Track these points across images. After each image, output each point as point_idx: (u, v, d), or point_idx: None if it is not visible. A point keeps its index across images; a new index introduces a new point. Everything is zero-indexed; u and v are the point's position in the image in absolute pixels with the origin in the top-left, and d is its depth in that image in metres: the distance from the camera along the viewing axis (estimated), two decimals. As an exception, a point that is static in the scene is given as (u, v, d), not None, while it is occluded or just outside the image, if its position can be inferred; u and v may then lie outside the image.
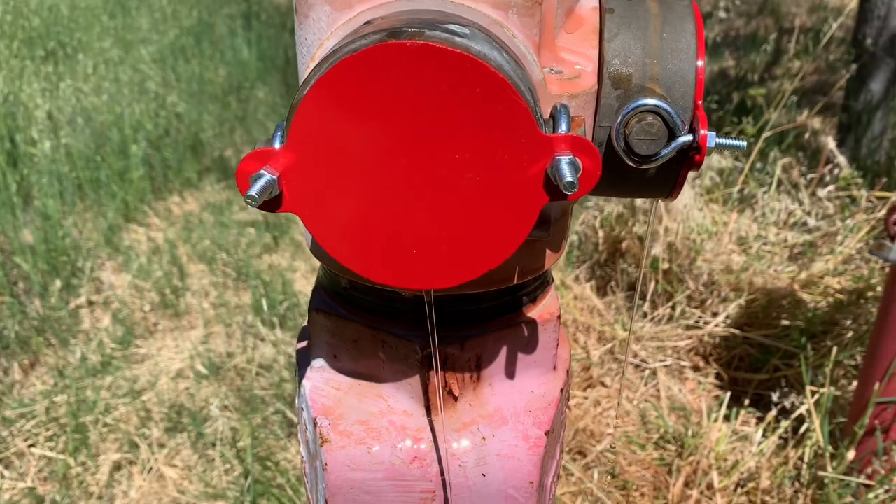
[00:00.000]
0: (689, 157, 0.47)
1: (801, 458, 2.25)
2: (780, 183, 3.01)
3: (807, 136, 3.85)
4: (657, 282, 2.87)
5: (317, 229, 0.42)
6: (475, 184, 0.40)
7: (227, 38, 5.18)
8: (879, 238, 1.95)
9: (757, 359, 2.71)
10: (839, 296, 2.69)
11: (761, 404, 2.52)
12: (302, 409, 0.58)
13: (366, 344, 0.56)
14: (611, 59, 0.47)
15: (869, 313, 2.58)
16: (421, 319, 0.54)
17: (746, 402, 2.51)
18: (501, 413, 0.56)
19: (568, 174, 0.37)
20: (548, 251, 0.53)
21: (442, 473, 0.53)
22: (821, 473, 2.10)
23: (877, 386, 2.03)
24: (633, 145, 0.46)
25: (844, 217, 2.81)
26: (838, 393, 2.28)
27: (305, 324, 0.65)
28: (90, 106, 4.20)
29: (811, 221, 2.87)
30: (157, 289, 3.22)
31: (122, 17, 5.59)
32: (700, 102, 0.46)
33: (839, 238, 2.77)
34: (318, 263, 0.60)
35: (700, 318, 2.83)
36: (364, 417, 0.55)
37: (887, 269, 2.55)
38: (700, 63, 0.47)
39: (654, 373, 2.72)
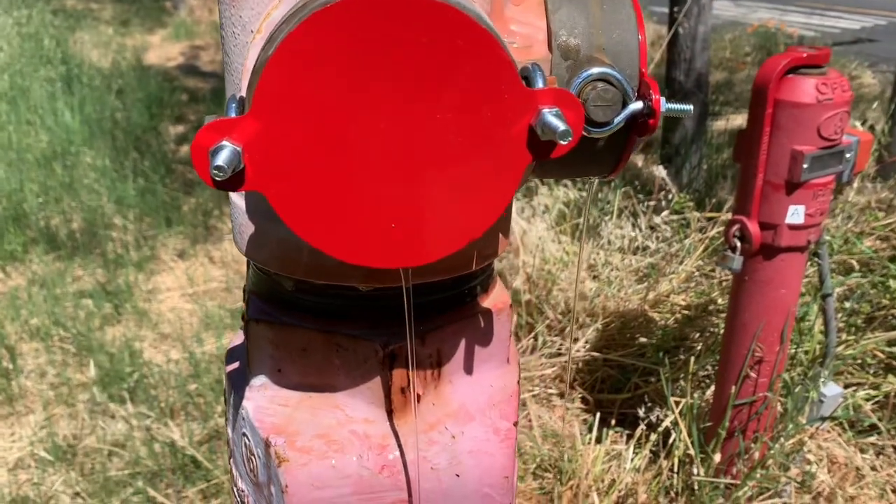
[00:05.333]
0: (640, 124, 0.47)
1: (671, 469, 2.34)
2: (620, 211, 3.20)
3: (639, 166, 4.14)
4: (518, 314, 2.93)
5: (285, 208, 0.38)
6: (458, 146, 0.38)
7: (46, 103, 4.85)
8: (722, 251, 2.10)
9: (618, 379, 2.81)
10: (685, 311, 2.86)
11: (627, 422, 2.62)
12: (244, 434, 0.53)
13: (317, 351, 0.51)
14: (558, 31, 0.47)
15: (713, 325, 2.77)
16: (380, 316, 0.50)
17: (613, 421, 2.59)
18: (466, 409, 0.53)
19: (560, 124, 0.36)
20: (500, 236, 0.52)
21: (411, 480, 0.49)
22: (692, 479, 2.20)
23: (733, 389, 2.17)
24: (590, 112, 0.46)
25: (681, 238, 3.02)
26: (698, 402, 2.40)
27: (232, 344, 0.59)
28: None
29: (652, 245, 3.05)
30: (-16, 373, 2.90)
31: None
32: (645, 70, 0.47)
33: (679, 258, 2.96)
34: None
35: (561, 345, 2.91)
36: (322, 431, 0.50)
37: (730, 281, 2.76)
38: (641, 35, 0.48)
39: (523, 403, 2.76)
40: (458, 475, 0.51)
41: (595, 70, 0.46)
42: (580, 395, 2.79)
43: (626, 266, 3.03)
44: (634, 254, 3.08)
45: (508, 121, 0.38)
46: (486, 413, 0.53)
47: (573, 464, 2.37)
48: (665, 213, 3.11)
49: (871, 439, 2.38)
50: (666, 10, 5.05)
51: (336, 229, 0.39)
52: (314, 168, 0.38)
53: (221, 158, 0.35)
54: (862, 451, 2.37)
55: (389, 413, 0.52)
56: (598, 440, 2.46)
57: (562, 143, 0.36)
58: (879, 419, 2.38)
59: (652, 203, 3.17)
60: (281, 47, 0.35)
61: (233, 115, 0.38)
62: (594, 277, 3.06)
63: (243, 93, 0.45)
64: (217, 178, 0.35)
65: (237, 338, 0.60)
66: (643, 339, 2.82)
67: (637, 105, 0.47)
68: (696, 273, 2.93)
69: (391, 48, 0.36)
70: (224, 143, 0.36)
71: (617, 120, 0.47)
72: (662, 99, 0.46)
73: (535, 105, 0.37)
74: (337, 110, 0.37)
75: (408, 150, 0.38)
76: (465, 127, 0.38)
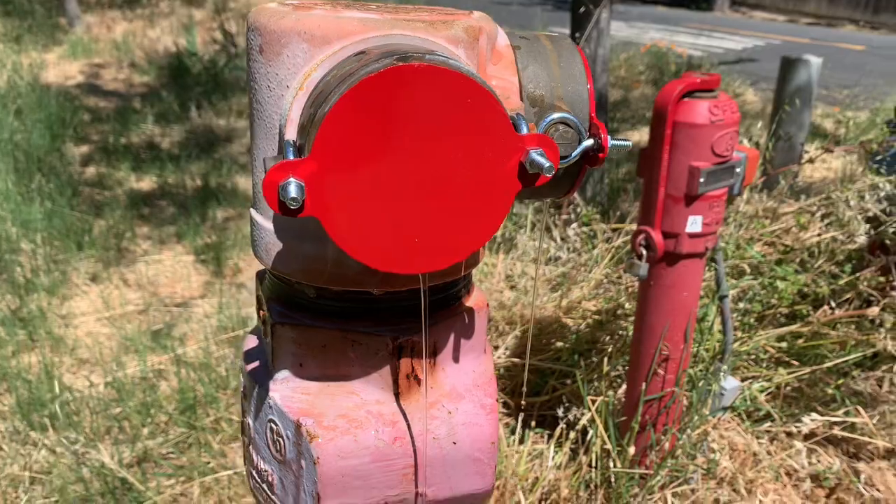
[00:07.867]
0: (591, 157, 0.60)
1: (590, 464, 2.51)
2: (533, 225, 3.37)
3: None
4: (441, 325, 3.05)
5: (335, 230, 0.49)
6: (466, 178, 0.50)
7: (-61, 123, 4.67)
8: (629, 259, 2.28)
9: (537, 383, 2.97)
10: (596, 316, 3.06)
11: (547, 422, 2.76)
12: (271, 420, 0.62)
13: (335, 347, 0.61)
14: (527, 84, 0.60)
15: (622, 327, 2.97)
16: (389, 315, 0.61)
17: (534, 423, 2.74)
18: (457, 390, 0.64)
19: (545, 162, 0.48)
20: (482, 249, 0.63)
21: (418, 448, 0.60)
22: (609, 471, 2.36)
23: (643, 386, 2.35)
24: (554, 149, 0.58)
25: (590, 249, 3.22)
26: (612, 399, 2.58)
27: (246, 348, 0.69)
28: None
29: (564, 255, 3.24)
30: None
31: None
32: (594, 114, 0.61)
33: (588, 267, 3.16)
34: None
35: (483, 353, 3.04)
36: (343, 412, 0.61)
37: (637, 287, 2.96)
38: (589, 86, 0.61)
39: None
40: (454, 443, 0.62)
41: (556, 115, 0.59)
42: (503, 401, 2.93)
43: (541, 276, 3.20)
44: (548, 264, 3.26)
45: (504, 159, 0.50)
46: (473, 392, 0.65)
47: (499, 465, 2.50)
48: (574, 225, 3.30)
49: (766, 427, 2.61)
50: (566, 30, 5.31)
51: (373, 244, 0.50)
52: (357, 198, 0.48)
53: (293, 192, 0.46)
54: (758, 438, 2.61)
55: (396, 395, 0.63)
56: (521, 441, 2.60)
57: (547, 175, 0.48)
58: (773, 408, 2.62)
59: (563, 217, 3.36)
60: (336, 106, 0.46)
61: (291, 156, 0.48)
62: (512, 287, 3.22)
63: (291, 136, 0.55)
64: (291, 207, 0.46)
65: (250, 341, 0.70)
66: (559, 344, 2.99)
67: (589, 142, 0.60)
68: (605, 280, 3.12)
69: (417, 105, 0.47)
70: (290, 179, 0.46)
71: (573, 154, 0.59)
72: (609, 137, 0.59)
73: (523, 147, 0.50)
74: (376, 153, 0.48)
75: (428, 182, 0.49)
76: (471, 164, 0.49)
